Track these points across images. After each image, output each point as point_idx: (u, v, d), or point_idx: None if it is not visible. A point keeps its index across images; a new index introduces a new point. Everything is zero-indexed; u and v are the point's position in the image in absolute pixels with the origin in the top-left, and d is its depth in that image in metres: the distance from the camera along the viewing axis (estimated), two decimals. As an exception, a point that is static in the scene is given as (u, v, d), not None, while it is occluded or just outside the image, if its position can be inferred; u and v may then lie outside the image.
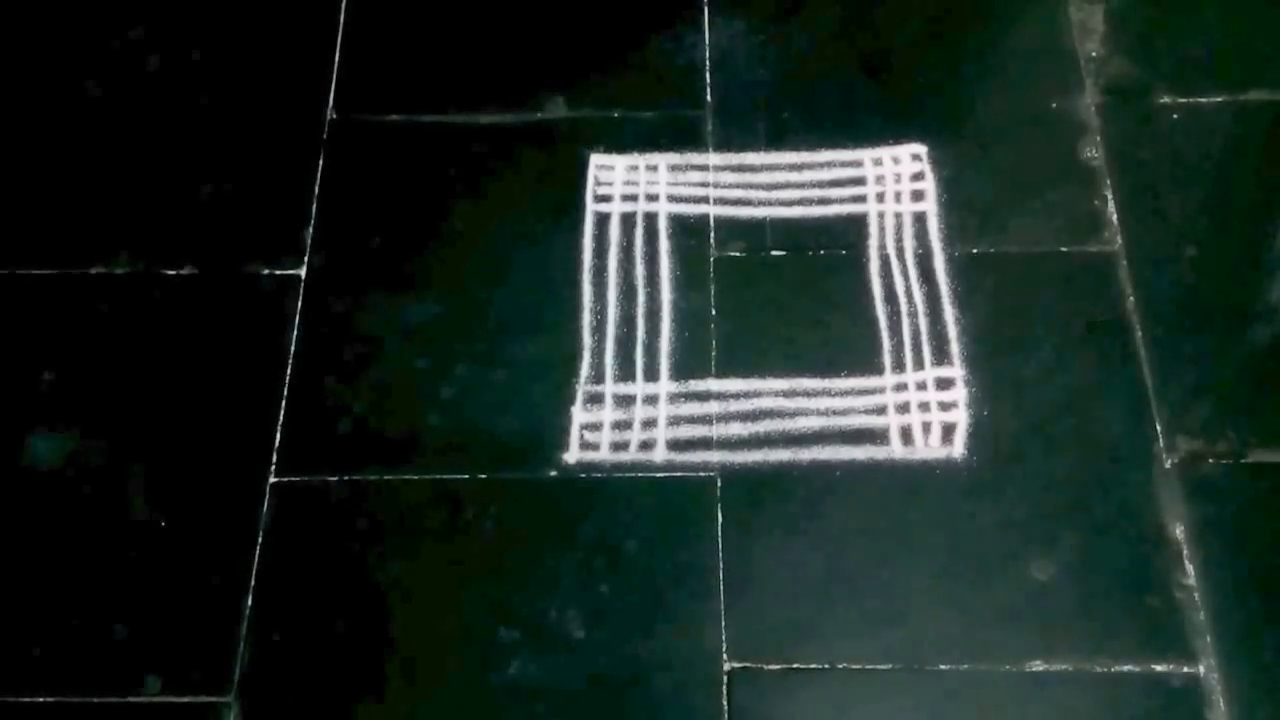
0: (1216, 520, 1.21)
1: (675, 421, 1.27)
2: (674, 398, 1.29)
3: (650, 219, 1.39)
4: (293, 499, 1.24)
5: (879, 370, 1.30)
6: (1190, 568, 1.18)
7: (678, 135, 1.44)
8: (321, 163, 1.45)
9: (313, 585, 1.20)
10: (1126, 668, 1.14)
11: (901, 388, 1.28)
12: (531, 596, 1.18)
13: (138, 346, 1.33)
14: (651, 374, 1.30)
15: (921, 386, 1.28)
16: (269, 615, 1.19)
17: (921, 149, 1.42)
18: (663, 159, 1.43)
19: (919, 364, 1.30)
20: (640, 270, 1.36)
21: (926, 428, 1.26)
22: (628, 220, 1.40)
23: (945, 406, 1.27)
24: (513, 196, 1.42)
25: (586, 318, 1.34)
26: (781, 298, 1.34)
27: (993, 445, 1.25)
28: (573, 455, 1.25)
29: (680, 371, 1.30)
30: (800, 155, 1.42)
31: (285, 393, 1.30)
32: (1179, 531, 1.20)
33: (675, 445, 1.26)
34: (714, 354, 1.31)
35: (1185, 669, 1.14)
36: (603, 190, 1.41)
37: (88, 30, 1.56)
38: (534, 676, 1.15)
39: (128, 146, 1.47)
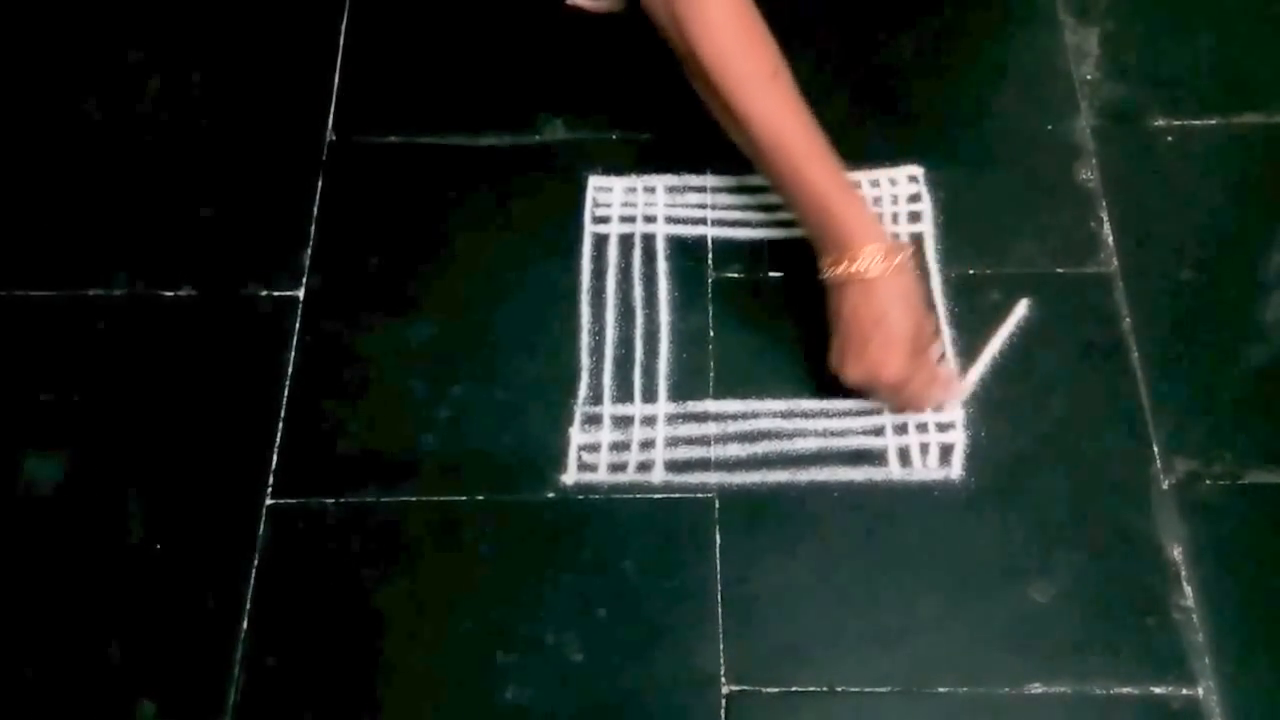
0: (1215, 541, 1.20)
1: (673, 442, 1.27)
2: (672, 419, 1.28)
3: (648, 240, 1.40)
4: (289, 521, 1.24)
5: (877, 391, 1.29)
6: (1189, 589, 1.18)
7: (676, 157, 1.44)
8: (320, 184, 1.45)
9: (309, 608, 1.20)
10: (1126, 690, 1.14)
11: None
12: (529, 619, 1.18)
13: (135, 368, 1.33)
14: (649, 395, 1.30)
15: (919, 407, 1.28)
16: (265, 639, 1.18)
17: (918, 170, 1.43)
18: (660, 180, 1.44)
19: (916, 385, 1.29)
20: (638, 291, 1.37)
21: (924, 449, 1.26)
22: (626, 241, 1.40)
23: (943, 428, 1.27)
24: (511, 218, 1.42)
25: (584, 339, 1.34)
26: (780, 319, 1.34)
27: (990, 466, 1.25)
28: (570, 476, 1.25)
29: (678, 392, 1.30)
30: (797, 176, 1.42)
31: (282, 414, 1.29)
32: (1177, 553, 1.20)
33: (673, 466, 1.26)
34: (712, 375, 1.31)
35: (1184, 691, 1.13)
36: (601, 211, 1.42)
37: (87, 52, 1.56)
38: (531, 701, 1.14)
39: (126, 168, 1.47)
